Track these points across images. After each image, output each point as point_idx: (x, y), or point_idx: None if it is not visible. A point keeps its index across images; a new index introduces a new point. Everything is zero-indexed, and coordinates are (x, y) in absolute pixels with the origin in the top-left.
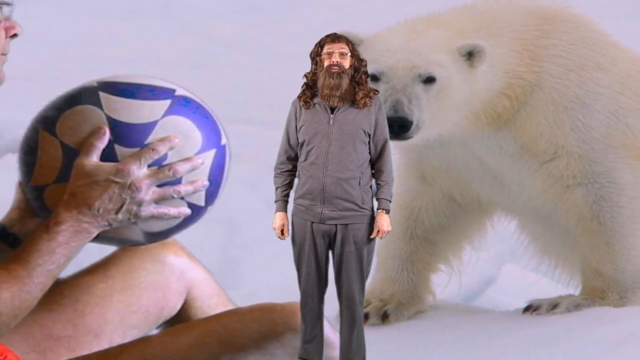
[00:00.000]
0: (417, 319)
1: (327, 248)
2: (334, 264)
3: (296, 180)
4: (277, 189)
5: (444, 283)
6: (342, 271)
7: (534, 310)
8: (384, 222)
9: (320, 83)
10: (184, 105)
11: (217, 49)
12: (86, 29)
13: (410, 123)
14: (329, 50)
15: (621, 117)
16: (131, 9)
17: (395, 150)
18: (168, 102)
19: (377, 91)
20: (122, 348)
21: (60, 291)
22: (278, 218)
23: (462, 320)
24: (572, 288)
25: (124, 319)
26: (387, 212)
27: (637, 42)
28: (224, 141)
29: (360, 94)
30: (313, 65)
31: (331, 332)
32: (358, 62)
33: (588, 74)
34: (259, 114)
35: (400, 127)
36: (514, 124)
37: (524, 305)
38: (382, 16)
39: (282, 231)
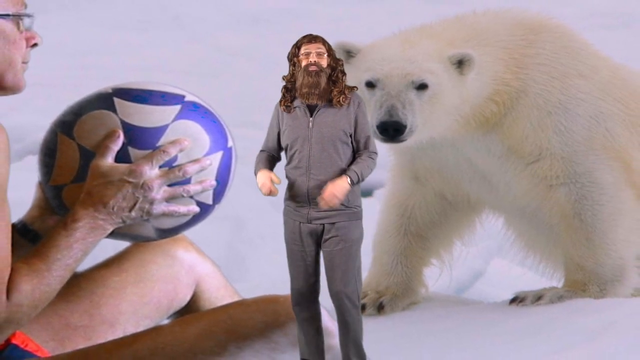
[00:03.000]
0: (411, 310)
1: (316, 247)
2: (324, 263)
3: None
4: (257, 163)
5: (435, 276)
6: (331, 270)
7: (520, 301)
8: (336, 185)
9: (298, 83)
10: (193, 110)
11: (224, 58)
12: (102, 39)
13: (404, 127)
14: (307, 51)
15: (601, 121)
16: (144, 21)
17: (390, 152)
18: (178, 107)
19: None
20: (135, 337)
21: (77, 284)
22: (261, 175)
23: (452, 311)
24: (555, 281)
25: (137, 310)
26: (351, 182)
27: (616, 51)
28: (230, 144)
29: (335, 92)
30: (291, 67)
31: (329, 321)
32: (334, 61)
33: (570, 81)
34: (264, 118)
35: (394, 130)
36: (501, 127)
37: (511, 297)
38: (378, 27)
39: (270, 188)
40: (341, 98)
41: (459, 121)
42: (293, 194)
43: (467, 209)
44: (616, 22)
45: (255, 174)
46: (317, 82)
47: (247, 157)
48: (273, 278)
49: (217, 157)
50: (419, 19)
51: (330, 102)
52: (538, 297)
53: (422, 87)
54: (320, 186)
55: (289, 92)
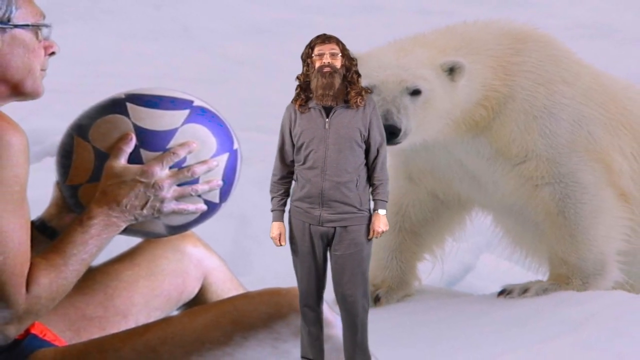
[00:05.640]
0: (405, 302)
1: (325, 249)
2: (332, 266)
3: (293, 183)
4: (272, 198)
5: (428, 270)
6: (341, 273)
7: (507, 294)
8: (380, 223)
9: (313, 84)
10: (201, 114)
11: (231, 66)
12: (116, 48)
13: (399, 130)
14: (320, 52)
15: (584, 125)
16: (155, 31)
17: None
18: (187, 111)
19: (370, 90)
20: (147, 327)
21: (92, 277)
22: (275, 228)
23: (444, 302)
24: (540, 275)
25: (148, 302)
26: (384, 212)
27: (597, 59)
28: (236, 146)
29: (353, 93)
30: (304, 67)
31: (329, 312)
32: (349, 61)
33: (555, 87)
34: (267, 122)
35: (390, 133)
36: (489, 130)
37: (499, 289)
38: (374, 37)
39: (279, 240)
40: (358, 99)
41: (450, 125)
42: (304, 195)
43: (458, 207)
44: (597, 32)
45: (272, 210)
46: (332, 83)
47: (252, 158)
48: (276, 272)
49: (223, 159)
50: (412, 29)
51: (346, 103)
52: (524, 290)
53: (415, 92)
54: (335, 187)
55: (304, 92)
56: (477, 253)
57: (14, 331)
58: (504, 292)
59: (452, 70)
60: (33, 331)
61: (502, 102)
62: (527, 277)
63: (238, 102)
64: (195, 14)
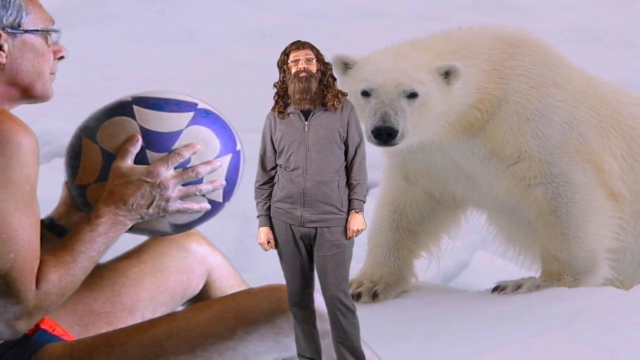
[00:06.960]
0: (402, 298)
1: (310, 249)
2: (316, 267)
3: (275, 186)
4: (257, 203)
5: (425, 267)
6: (324, 275)
7: (501, 290)
8: (355, 222)
9: (290, 90)
10: (205, 116)
11: (234, 70)
12: (122, 53)
13: (396, 132)
14: (295, 58)
15: (575, 127)
16: (161, 36)
17: (384, 154)
18: (191, 114)
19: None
20: (153, 322)
21: (100, 274)
22: (263, 233)
23: (440, 298)
24: (533, 271)
25: (154, 298)
26: (360, 212)
27: (588, 63)
28: (238, 147)
29: (329, 96)
30: (281, 74)
31: (324, 305)
32: (324, 65)
33: (547, 90)
34: None
35: (387, 135)
36: (484, 132)
37: (493, 286)
38: (373, 41)
39: (268, 243)
40: (335, 101)
41: (445, 126)
42: (286, 196)
43: (453, 206)
44: (588, 37)
45: (258, 216)
46: (308, 88)
47: (254, 159)
48: (277, 269)
49: (226, 159)
50: (410, 33)
51: (324, 106)
52: (517, 286)
53: (412, 95)
54: (317, 187)
55: (282, 99)
56: (472, 250)
57: (24, 326)
58: (498, 289)
59: (447, 74)
60: (42, 326)
61: (496, 104)
62: (521, 274)
63: (241, 104)
64: (200, 19)
